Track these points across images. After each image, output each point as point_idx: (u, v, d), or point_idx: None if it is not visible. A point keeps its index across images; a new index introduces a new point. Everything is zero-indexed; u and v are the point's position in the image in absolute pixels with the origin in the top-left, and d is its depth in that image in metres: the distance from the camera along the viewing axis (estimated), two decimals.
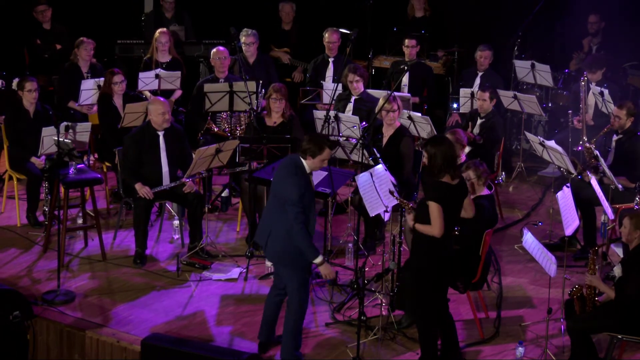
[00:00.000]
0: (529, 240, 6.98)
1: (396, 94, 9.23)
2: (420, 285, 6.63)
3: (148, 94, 10.35)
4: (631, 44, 11.12)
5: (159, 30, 10.95)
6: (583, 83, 9.98)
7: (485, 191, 7.58)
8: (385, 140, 8.81)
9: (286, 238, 6.69)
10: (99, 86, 10.08)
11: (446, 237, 6.55)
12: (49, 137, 8.65)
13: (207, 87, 9.73)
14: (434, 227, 6.47)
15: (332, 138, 8.67)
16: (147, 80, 10.29)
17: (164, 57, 10.88)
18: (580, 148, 9.58)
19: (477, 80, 10.82)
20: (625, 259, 6.88)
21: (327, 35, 10.96)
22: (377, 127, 8.95)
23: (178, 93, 10.79)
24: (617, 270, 6.86)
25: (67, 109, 10.55)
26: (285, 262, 6.79)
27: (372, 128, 8.89)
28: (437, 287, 6.65)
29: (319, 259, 6.70)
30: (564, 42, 12.00)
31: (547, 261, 6.82)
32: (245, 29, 10.81)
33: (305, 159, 6.73)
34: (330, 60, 10.97)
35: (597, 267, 6.91)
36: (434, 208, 6.43)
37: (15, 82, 9.72)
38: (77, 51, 10.62)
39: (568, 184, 7.74)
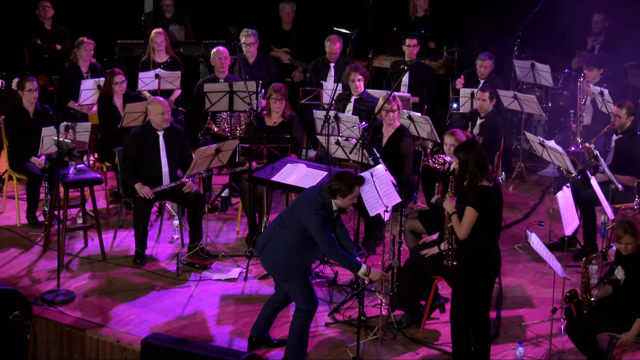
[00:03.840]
0: (535, 241, 6.97)
1: (396, 93, 9.23)
2: (465, 288, 6.62)
3: (147, 94, 10.35)
4: (633, 43, 11.11)
5: (154, 30, 10.95)
6: (580, 84, 9.97)
7: None
8: (385, 140, 8.80)
9: (278, 252, 6.74)
10: (98, 86, 10.09)
11: (493, 242, 6.57)
12: (49, 137, 8.65)
13: (207, 87, 9.73)
14: (461, 230, 6.50)
15: (332, 138, 8.67)
16: (147, 80, 10.29)
17: (161, 57, 10.89)
18: (574, 149, 9.58)
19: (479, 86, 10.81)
20: (622, 261, 6.82)
21: (328, 44, 10.92)
22: (377, 127, 8.94)
23: (177, 93, 10.79)
24: (620, 274, 6.82)
25: (67, 109, 10.56)
26: (277, 273, 6.86)
27: (372, 128, 8.89)
28: (481, 291, 6.63)
29: (362, 270, 6.73)
30: (564, 41, 12.00)
31: (555, 262, 6.84)
32: (245, 29, 10.82)
33: (334, 198, 6.72)
34: (332, 65, 10.97)
35: (591, 279, 6.94)
36: (469, 213, 6.44)
37: (15, 82, 9.73)
38: (77, 51, 10.63)
39: (568, 184, 7.74)
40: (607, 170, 8.38)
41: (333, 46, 10.88)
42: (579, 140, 9.14)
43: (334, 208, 6.76)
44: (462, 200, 6.56)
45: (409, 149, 8.71)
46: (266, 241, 6.84)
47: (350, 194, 6.69)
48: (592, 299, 6.85)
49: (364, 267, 6.73)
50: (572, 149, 9.61)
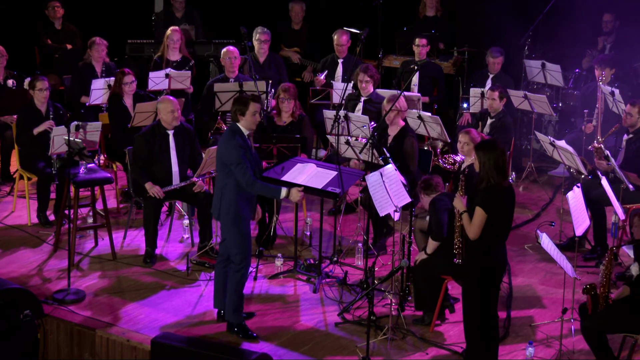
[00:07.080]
0: (545, 241, 6.96)
1: (406, 93, 9.22)
2: (472, 292, 6.59)
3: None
4: None
5: (171, 28, 10.99)
6: (600, 82, 9.91)
7: None
8: (390, 139, 8.79)
9: (220, 196, 7.07)
10: (109, 86, 10.11)
11: (500, 243, 6.53)
12: (60, 137, 8.67)
13: (217, 86, 9.75)
14: (471, 230, 6.46)
15: (342, 138, 8.67)
16: (157, 80, 10.31)
17: (175, 56, 10.91)
18: (591, 148, 9.54)
19: (489, 82, 10.81)
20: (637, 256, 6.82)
21: (335, 37, 11.00)
22: (385, 127, 8.94)
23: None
24: (634, 269, 6.80)
25: (77, 108, 10.57)
26: (223, 217, 7.11)
27: (381, 128, 8.89)
28: (488, 293, 6.61)
29: (284, 193, 7.08)
30: (574, 41, 11.96)
31: (566, 262, 6.82)
32: (259, 26, 10.89)
33: (239, 121, 7.02)
34: (340, 61, 10.99)
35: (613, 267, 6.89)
36: (478, 214, 6.40)
37: (26, 81, 9.75)
38: (89, 51, 10.66)
39: (579, 184, 7.71)
40: (618, 171, 8.35)
41: (340, 38, 10.92)
42: (600, 139, 9.06)
43: (245, 132, 7.02)
44: (473, 200, 6.54)
45: (412, 148, 8.71)
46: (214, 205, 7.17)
47: (248, 109, 6.97)
48: (611, 295, 6.82)
49: (284, 191, 7.10)
50: (592, 148, 9.56)
